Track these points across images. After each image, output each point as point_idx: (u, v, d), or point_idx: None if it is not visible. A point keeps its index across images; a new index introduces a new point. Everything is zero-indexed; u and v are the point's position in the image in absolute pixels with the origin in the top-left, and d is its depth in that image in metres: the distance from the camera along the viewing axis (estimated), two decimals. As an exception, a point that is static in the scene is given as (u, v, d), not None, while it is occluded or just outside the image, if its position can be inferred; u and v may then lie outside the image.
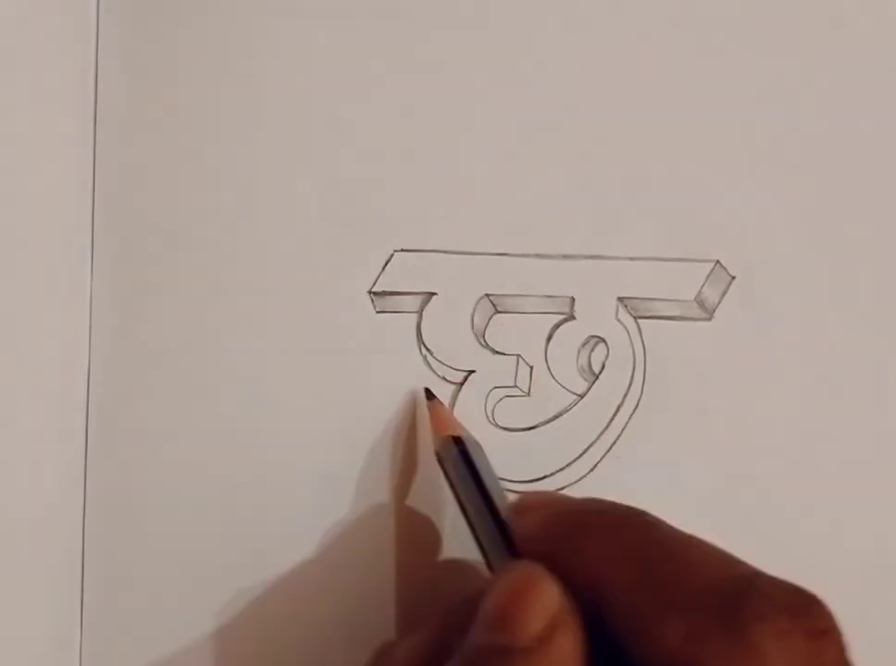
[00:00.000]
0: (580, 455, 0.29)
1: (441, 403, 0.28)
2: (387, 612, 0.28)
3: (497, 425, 0.29)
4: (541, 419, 0.29)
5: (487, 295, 0.29)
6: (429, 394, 0.29)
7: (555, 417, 0.29)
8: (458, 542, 0.28)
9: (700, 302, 0.29)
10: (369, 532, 0.28)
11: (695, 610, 0.20)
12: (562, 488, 0.29)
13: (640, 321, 0.29)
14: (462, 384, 0.29)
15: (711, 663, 0.19)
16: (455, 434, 0.27)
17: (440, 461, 0.27)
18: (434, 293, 0.29)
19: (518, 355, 0.29)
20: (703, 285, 0.29)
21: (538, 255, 0.29)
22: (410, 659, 0.24)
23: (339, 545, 0.28)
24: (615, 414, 0.29)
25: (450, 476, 0.26)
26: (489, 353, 0.29)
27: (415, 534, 0.29)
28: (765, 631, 0.19)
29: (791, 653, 0.19)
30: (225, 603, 0.28)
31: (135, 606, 0.28)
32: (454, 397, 0.29)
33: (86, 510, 0.28)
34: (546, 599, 0.21)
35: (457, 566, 0.29)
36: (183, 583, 0.28)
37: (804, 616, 0.20)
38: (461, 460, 0.26)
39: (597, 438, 0.29)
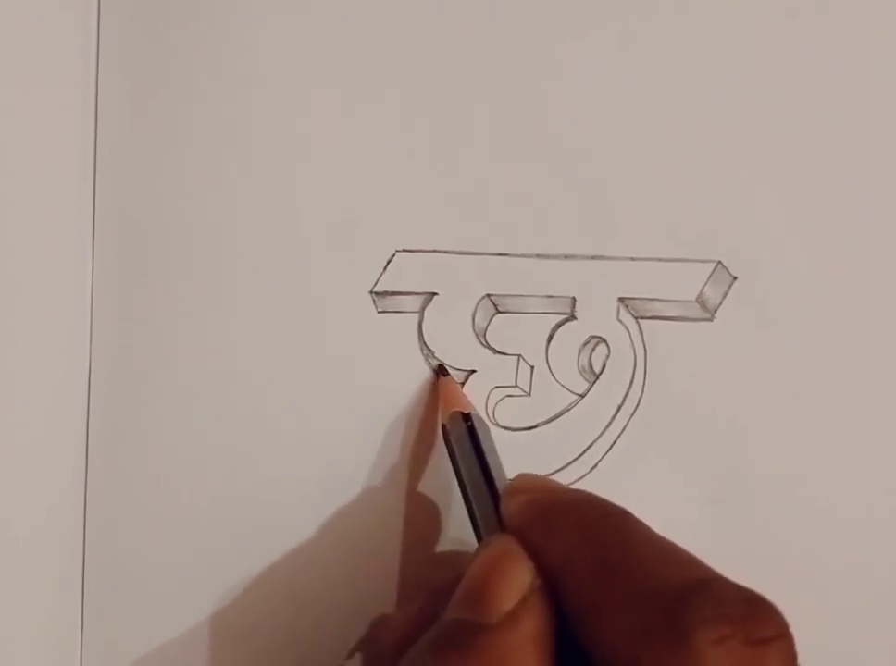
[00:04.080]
0: (581, 455, 0.29)
1: (453, 380, 0.29)
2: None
3: (498, 425, 0.29)
4: (542, 419, 0.29)
5: (488, 295, 0.29)
6: (443, 370, 0.29)
7: (556, 417, 0.29)
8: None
9: (701, 302, 0.29)
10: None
11: (642, 609, 0.20)
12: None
13: (641, 321, 0.29)
14: (463, 384, 0.29)
15: (649, 663, 0.19)
16: (465, 410, 0.27)
17: (445, 435, 0.27)
18: (435, 293, 0.29)
19: (519, 355, 0.29)
20: (704, 285, 0.29)
21: (539, 255, 0.29)
22: (400, 628, 0.25)
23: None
24: (615, 415, 0.29)
25: (454, 451, 0.27)
26: (490, 353, 0.29)
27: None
28: (705, 635, 0.19)
29: (730, 659, 0.19)
30: (227, 602, 0.28)
31: (136, 606, 0.28)
32: (456, 397, 0.29)
33: (86, 510, 0.28)
34: (518, 578, 0.22)
35: (460, 548, 0.29)
36: (185, 582, 0.28)
37: (748, 621, 0.19)
38: (467, 436, 0.26)
39: (597, 438, 0.29)
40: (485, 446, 0.26)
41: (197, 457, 0.28)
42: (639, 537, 0.22)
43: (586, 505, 0.23)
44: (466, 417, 0.27)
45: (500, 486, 0.25)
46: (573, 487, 0.29)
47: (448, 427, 0.27)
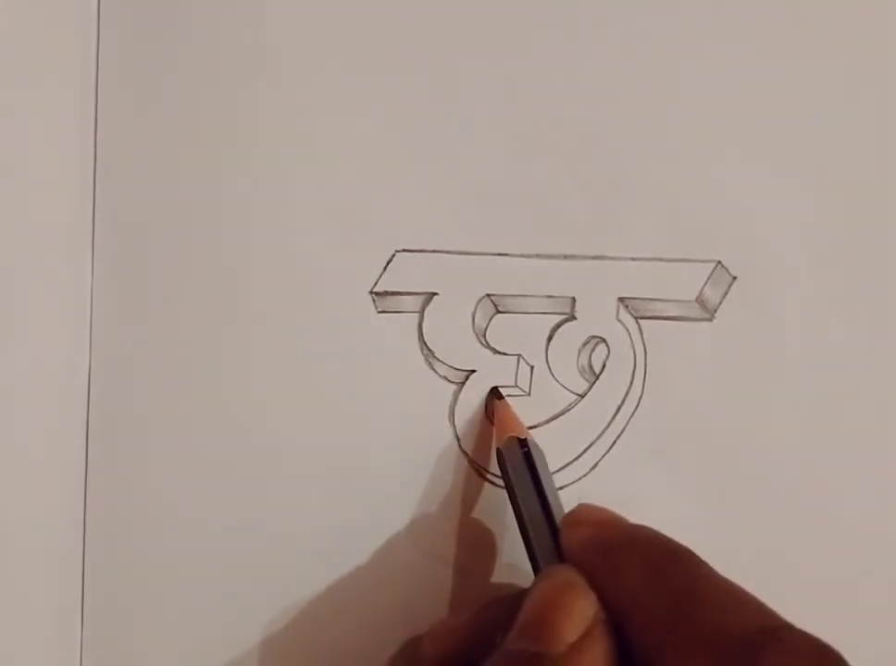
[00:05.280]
0: (581, 455, 0.29)
1: (508, 404, 0.29)
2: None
3: (498, 425, 0.29)
4: (542, 419, 0.29)
5: (488, 295, 0.29)
6: (497, 394, 0.29)
7: (556, 417, 0.29)
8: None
9: (701, 302, 0.29)
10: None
11: (713, 654, 0.20)
12: (562, 488, 0.29)
13: (640, 321, 0.29)
14: (463, 384, 0.29)
15: None
16: (521, 436, 0.27)
17: (500, 459, 0.27)
18: (435, 293, 0.29)
19: (519, 355, 0.29)
20: (704, 285, 0.29)
21: (539, 255, 0.29)
22: (444, 640, 0.25)
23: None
24: (615, 415, 0.29)
25: (509, 476, 0.27)
26: (490, 353, 0.29)
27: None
28: None
29: None
30: (228, 603, 0.28)
31: (136, 606, 0.28)
32: (455, 397, 0.29)
33: (86, 510, 0.28)
34: (582, 609, 0.22)
35: (512, 573, 0.29)
36: (185, 582, 0.28)
37: None
38: (524, 462, 0.26)
39: (597, 438, 0.29)
40: (541, 472, 0.26)
41: (197, 457, 0.28)
42: (705, 579, 0.22)
43: (652, 543, 0.23)
44: (523, 443, 0.27)
45: (556, 512, 0.25)
46: (573, 486, 0.29)
47: (503, 452, 0.27)
